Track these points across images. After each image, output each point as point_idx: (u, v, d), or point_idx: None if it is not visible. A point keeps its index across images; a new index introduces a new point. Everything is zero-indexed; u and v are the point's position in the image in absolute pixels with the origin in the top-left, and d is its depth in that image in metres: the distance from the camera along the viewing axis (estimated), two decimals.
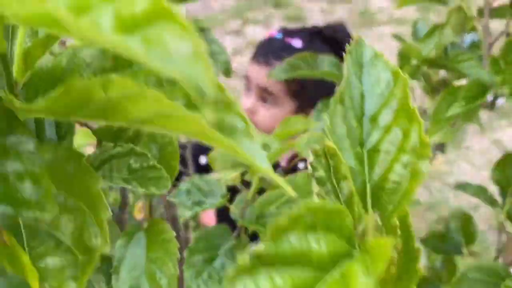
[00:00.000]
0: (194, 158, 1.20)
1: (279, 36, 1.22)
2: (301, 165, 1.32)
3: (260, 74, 1.22)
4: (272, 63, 1.17)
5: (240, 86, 3.22)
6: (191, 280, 0.44)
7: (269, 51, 1.20)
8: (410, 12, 3.86)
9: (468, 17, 0.59)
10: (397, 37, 0.67)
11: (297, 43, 1.18)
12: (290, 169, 1.32)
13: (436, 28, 0.61)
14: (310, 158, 0.27)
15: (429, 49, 0.60)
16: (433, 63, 0.61)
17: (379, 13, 3.86)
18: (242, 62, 3.33)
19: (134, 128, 0.35)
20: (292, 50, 1.15)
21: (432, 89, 0.65)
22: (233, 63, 3.46)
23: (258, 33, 3.59)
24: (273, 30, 1.28)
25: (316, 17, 3.82)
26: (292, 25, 3.69)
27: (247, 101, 1.23)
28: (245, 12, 3.81)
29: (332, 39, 1.18)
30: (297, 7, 3.90)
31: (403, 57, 0.67)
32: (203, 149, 1.19)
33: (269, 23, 3.71)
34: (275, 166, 1.32)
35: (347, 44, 1.17)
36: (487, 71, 0.55)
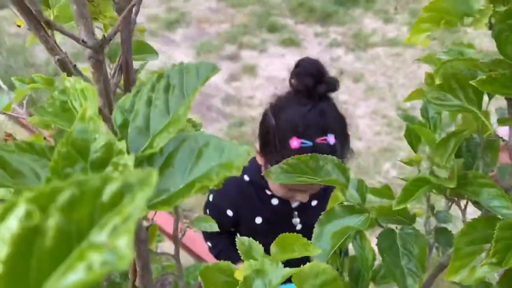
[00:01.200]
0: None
1: (308, 144, 1.16)
2: (314, 202, 1.35)
3: (314, 190, 1.28)
4: None
5: (237, 113, 3.25)
6: None
7: None
8: (403, 33, 3.91)
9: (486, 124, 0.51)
10: (407, 117, 0.61)
11: (331, 139, 1.17)
12: (303, 207, 1.36)
13: (452, 137, 0.53)
14: None
15: (442, 159, 0.52)
16: (451, 189, 0.53)
17: (373, 34, 3.90)
18: (238, 87, 3.37)
19: None
20: (331, 147, 1.16)
21: (442, 192, 0.56)
22: (229, 88, 3.49)
23: (254, 58, 3.63)
24: (293, 140, 1.17)
25: (310, 40, 3.86)
26: (287, 50, 3.73)
27: (303, 197, 1.31)
28: (240, 37, 3.85)
29: (311, 82, 1.18)
30: (292, 30, 3.95)
31: (412, 136, 0.62)
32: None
33: (264, 47, 3.75)
34: (290, 208, 1.35)
35: (329, 77, 1.15)
36: None
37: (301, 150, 1.14)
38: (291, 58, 3.67)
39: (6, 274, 0.16)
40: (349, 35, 3.90)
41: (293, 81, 1.23)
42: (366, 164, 2.86)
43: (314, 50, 3.75)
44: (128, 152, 0.30)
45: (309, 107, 1.19)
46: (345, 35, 3.91)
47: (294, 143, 1.15)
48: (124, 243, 0.15)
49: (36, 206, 0.17)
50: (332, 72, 3.81)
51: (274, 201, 1.34)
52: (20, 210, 0.17)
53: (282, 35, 3.89)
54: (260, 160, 1.29)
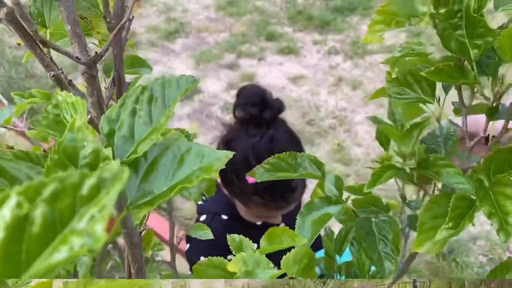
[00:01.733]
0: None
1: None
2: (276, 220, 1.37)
3: (283, 212, 1.31)
4: (288, 199, 1.24)
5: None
6: None
7: (278, 192, 1.21)
8: (401, 40, 3.94)
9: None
10: (376, 119, 0.65)
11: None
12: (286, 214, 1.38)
13: (414, 127, 0.58)
14: None
15: (408, 151, 0.57)
16: (415, 169, 0.58)
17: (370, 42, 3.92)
18: None
19: None
20: None
21: (410, 177, 0.60)
22: (227, 96, 3.50)
23: (253, 66, 3.67)
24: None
25: (309, 48, 3.90)
26: (286, 58, 3.77)
27: (277, 220, 1.36)
28: (239, 46, 3.89)
29: (255, 110, 1.18)
30: (290, 39, 3.98)
31: (382, 137, 0.66)
32: None
33: (263, 55, 3.78)
34: (253, 225, 1.35)
35: (272, 101, 1.15)
36: (470, 186, 0.52)
37: (258, 183, 1.12)
38: (290, 66, 3.71)
39: (1, 255, 0.18)
40: (347, 42, 3.94)
41: (237, 111, 1.21)
42: (366, 170, 2.88)
43: (312, 58, 3.79)
44: (114, 158, 0.32)
45: (258, 137, 1.17)
46: (343, 43, 3.94)
47: (250, 178, 1.15)
48: (100, 229, 0.18)
49: (25, 198, 0.19)
50: (330, 80, 3.83)
51: (258, 222, 1.35)
52: (12, 201, 0.19)
53: (280, 44, 3.92)
54: (226, 191, 1.30)
